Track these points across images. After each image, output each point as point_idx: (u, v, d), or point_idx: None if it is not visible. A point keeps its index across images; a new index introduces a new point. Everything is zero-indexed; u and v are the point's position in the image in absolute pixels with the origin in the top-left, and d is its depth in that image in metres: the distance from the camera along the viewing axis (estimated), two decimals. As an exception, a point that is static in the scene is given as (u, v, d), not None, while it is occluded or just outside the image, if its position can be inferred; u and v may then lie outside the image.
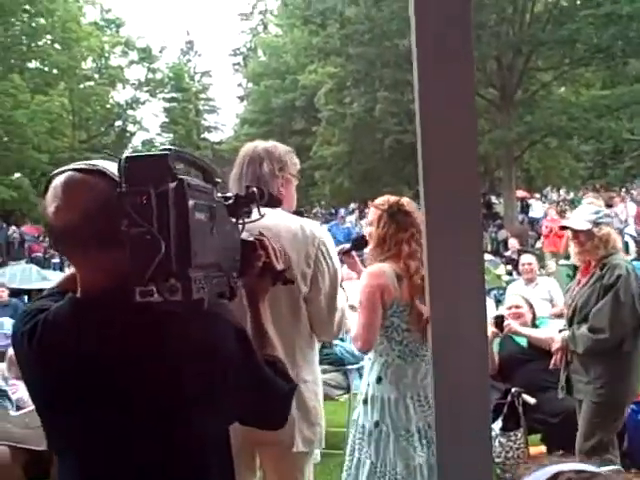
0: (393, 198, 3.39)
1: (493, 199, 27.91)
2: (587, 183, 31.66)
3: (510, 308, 5.44)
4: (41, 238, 24.47)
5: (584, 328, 3.99)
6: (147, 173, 1.28)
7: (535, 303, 5.91)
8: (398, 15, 22.32)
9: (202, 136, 47.82)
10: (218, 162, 45.54)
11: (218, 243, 1.45)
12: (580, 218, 4.09)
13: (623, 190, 26.56)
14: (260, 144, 2.87)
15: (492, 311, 7.47)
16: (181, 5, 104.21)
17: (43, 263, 20.89)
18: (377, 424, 3.29)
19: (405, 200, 3.38)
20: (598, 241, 3.95)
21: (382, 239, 3.30)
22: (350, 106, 29.60)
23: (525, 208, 25.95)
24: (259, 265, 1.70)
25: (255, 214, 1.72)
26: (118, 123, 41.70)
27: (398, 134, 28.58)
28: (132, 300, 1.26)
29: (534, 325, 5.34)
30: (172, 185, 1.29)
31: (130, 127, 42.94)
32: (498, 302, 9.56)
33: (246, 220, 1.67)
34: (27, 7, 30.15)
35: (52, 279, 11.15)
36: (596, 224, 3.97)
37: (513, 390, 4.66)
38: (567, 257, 8.93)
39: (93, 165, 1.47)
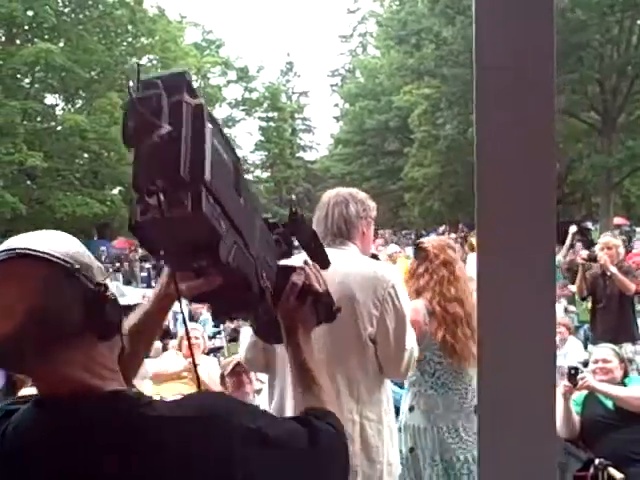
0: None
1: (589, 225, 26.83)
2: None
3: (597, 362, 4.46)
4: (127, 252, 25.11)
5: None
6: (165, 82, 1.16)
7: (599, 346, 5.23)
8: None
9: (297, 155, 48.33)
10: (311, 180, 46.18)
11: (245, 213, 1.30)
12: None
13: None
14: (342, 189, 2.97)
15: (579, 351, 6.81)
16: (282, 26, 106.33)
17: (129, 275, 21.34)
18: (412, 450, 3.52)
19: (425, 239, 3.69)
20: None
21: (410, 274, 3.65)
22: (443, 128, 29.21)
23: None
24: (299, 284, 1.48)
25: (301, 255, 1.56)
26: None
27: (492, 157, 27.91)
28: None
29: (622, 383, 4.41)
30: (189, 98, 1.16)
31: (225, 145, 43.66)
32: (587, 341, 8.65)
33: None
34: (130, 27, 31.23)
35: (129, 295, 10.94)
36: None
37: (597, 462, 3.90)
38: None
39: (10, 250, 1.13)
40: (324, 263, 1.56)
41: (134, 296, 10.40)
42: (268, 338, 1.67)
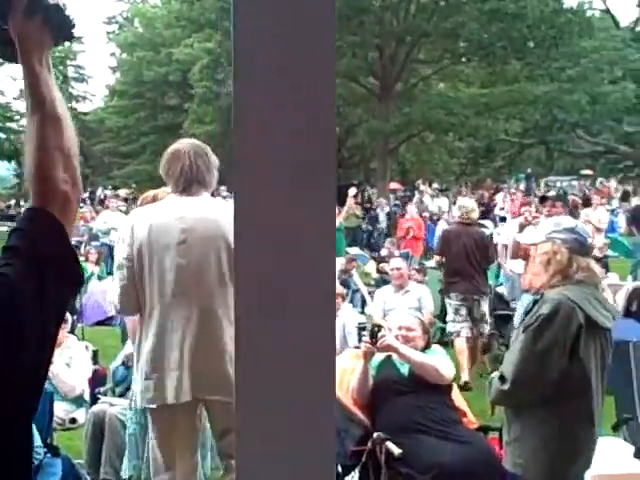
0: None
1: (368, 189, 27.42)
2: (460, 179, 32.01)
3: (400, 329, 4.22)
4: None
5: (497, 373, 3.08)
6: None
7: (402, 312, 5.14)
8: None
9: (69, 105, 44.98)
10: (85, 133, 43.40)
11: None
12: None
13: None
14: (193, 140, 3.53)
15: (357, 317, 6.55)
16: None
17: None
18: None
19: None
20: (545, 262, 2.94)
21: None
22: (225, 84, 28.27)
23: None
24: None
25: None
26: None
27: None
28: None
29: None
30: None
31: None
32: (364, 304, 8.67)
33: None
34: None
35: None
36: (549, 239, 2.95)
37: (375, 436, 3.71)
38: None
39: None
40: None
41: None
42: (9, 57, 1.49)
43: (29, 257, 1.27)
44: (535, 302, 2.94)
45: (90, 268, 11.23)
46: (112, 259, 12.60)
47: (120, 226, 3.21)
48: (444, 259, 7.43)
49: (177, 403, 3.13)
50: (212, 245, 3.09)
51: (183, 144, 3.30)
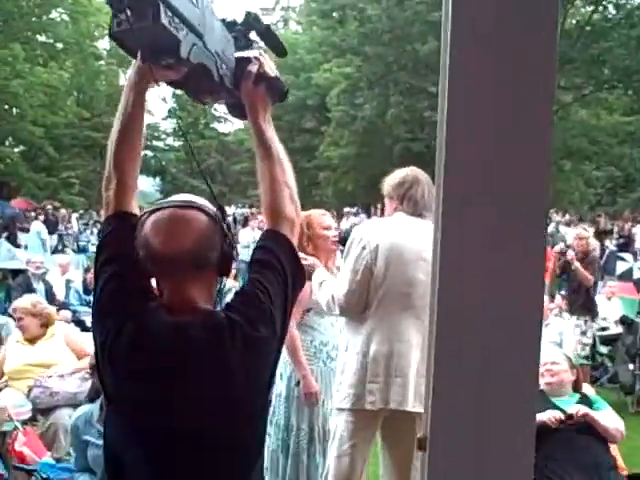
0: None
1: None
2: (595, 210, 30.79)
3: (545, 364, 3.94)
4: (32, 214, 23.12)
5: None
6: None
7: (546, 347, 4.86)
8: (421, 17, 21.38)
9: (211, 126, 46.97)
10: (225, 152, 45.04)
11: (202, 18, 1.64)
12: None
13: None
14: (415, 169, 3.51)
15: None
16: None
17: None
18: None
19: None
20: None
21: None
22: (362, 108, 28.68)
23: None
24: (254, 72, 1.82)
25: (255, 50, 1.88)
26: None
27: (408, 141, 27.76)
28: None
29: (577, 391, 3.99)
30: None
31: (135, 110, 41.99)
32: None
33: None
34: (39, -22, 29.31)
35: (20, 259, 10.38)
36: None
37: None
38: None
39: (190, 202, 1.70)
40: (279, 50, 1.94)
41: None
42: (238, 116, 1.94)
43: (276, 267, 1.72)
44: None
45: (229, 284, 11.72)
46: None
47: (353, 233, 3.40)
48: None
49: (398, 409, 3.18)
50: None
51: (418, 171, 3.43)
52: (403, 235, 3.27)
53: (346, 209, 24.75)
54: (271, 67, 1.87)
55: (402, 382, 3.16)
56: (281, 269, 1.71)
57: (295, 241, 1.81)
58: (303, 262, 3.50)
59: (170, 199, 1.74)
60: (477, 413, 0.94)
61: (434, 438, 0.88)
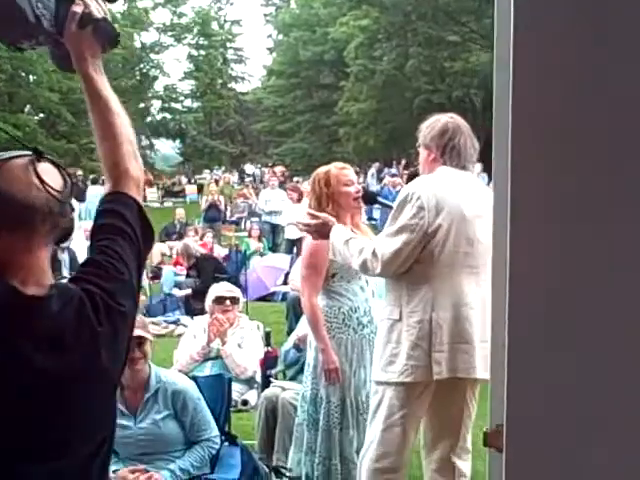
0: None
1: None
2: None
3: None
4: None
5: None
6: None
7: None
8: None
9: (228, 85, 46.63)
10: (243, 112, 44.75)
11: None
12: None
13: None
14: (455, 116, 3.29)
15: None
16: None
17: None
18: None
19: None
20: None
21: None
22: (380, 61, 28.21)
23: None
24: (79, 13, 1.58)
25: None
26: (140, 67, 40.55)
27: (429, 93, 27.32)
28: None
29: None
30: None
31: (152, 71, 41.74)
32: None
33: None
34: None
35: None
36: None
37: None
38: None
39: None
40: None
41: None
42: (65, 66, 1.70)
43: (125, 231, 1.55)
44: None
45: (253, 245, 11.62)
46: (274, 235, 12.92)
47: (405, 190, 3.13)
48: None
49: (467, 378, 3.03)
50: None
51: (458, 119, 3.19)
52: (458, 193, 3.05)
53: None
54: (98, 8, 1.63)
55: (468, 349, 2.98)
56: (132, 232, 1.55)
57: (140, 199, 1.63)
58: (314, 220, 3.28)
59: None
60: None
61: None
